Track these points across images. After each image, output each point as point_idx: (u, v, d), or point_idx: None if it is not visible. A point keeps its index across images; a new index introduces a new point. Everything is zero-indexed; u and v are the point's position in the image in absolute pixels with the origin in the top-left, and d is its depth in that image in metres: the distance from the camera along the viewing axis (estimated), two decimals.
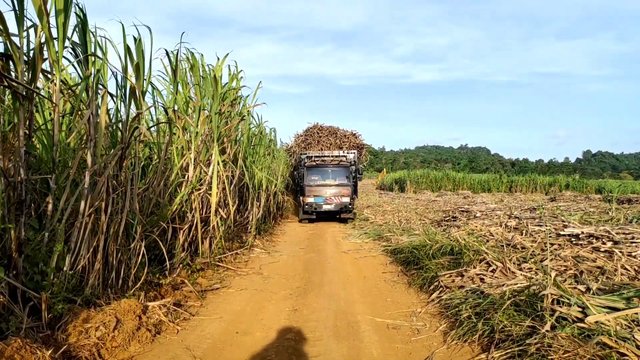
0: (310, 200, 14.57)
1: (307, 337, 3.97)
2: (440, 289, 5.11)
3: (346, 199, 14.63)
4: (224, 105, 6.85)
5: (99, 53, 4.19)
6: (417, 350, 3.67)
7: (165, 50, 5.70)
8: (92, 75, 3.91)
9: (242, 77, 7.84)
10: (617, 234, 6.72)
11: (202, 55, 6.98)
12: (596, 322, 3.21)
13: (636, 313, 3.31)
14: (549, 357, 2.93)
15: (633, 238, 6.57)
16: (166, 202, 5.59)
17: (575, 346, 2.93)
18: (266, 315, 4.57)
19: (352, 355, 3.56)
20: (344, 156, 16.28)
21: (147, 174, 5.78)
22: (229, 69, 7.69)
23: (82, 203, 3.74)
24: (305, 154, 16.33)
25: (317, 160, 15.96)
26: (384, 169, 56.94)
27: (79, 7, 3.94)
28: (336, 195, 14.61)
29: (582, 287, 4.25)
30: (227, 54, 7.49)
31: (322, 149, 17.63)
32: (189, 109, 6.38)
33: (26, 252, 3.35)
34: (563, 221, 8.41)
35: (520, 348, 3.21)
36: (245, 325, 4.25)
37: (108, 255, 4.21)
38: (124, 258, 4.44)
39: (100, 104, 3.98)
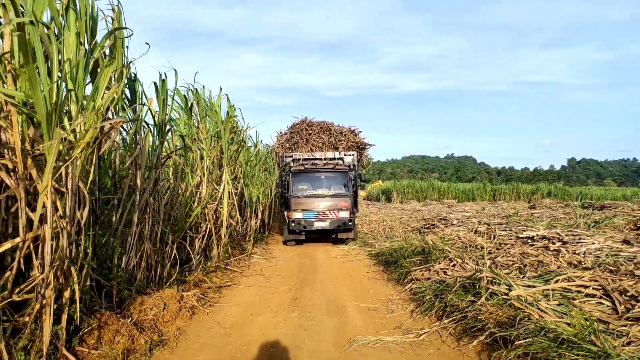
0: (297, 215, 11.70)
1: (306, 315, 5.25)
2: (412, 281, 6.44)
3: (345, 214, 11.79)
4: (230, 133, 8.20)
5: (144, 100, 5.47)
6: (390, 322, 4.96)
7: (184, 96, 7.04)
8: (140, 119, 5.19)
9: (236, 108, 9.19)
10: (566, 235, 8.09)
11: (203, 87, 8.26)
12: (517, 295, 4.55)
13: (546, 289, 4.66)
14: (479, 318, 4.26)
15: (580, 239, 7.93)
16: (183, 214, 6.84)
17: (496, 310, 4.27)
18: (272, 303, 5.85)
19: (341, 325, 4.86)
20: (341, 159, 13.76)
21: (167, 191, 7.03)
22: (227, 99, 8.96)
23: (134, 216, 4.99)
24: (291, 156, 13.89)
25: (307, 164, 13.29)
26: (380, 179, 58.54)
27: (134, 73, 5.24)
28: (332, 209, 11.80)
29: (520, 275, 5.61)
30: (221, 88, 8.82)
31: (312, 150, 14.45)
32: (200, 136, 7.66)
33: (97, 253, 4.59)
34: (527, 226, 9.80)
35: (462, 315, 4.54)
36: (257, 309, 5.52)
37: (148, 257, 5.45)
38: (159, 259, 5.69)
39: (144, 140, 5.26)
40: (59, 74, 3.18)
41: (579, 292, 4.65)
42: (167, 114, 6.21)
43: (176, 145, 7.02)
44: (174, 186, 6.79)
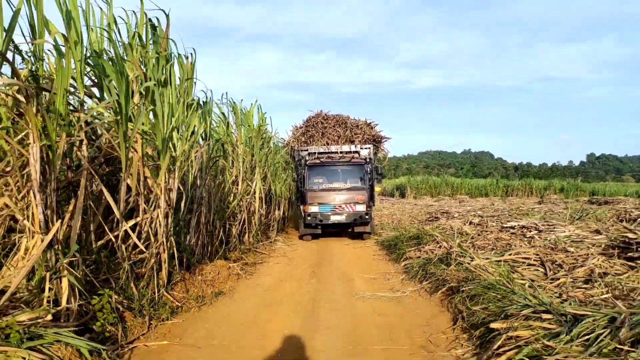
0: (313, 209, 12.04)
1: (322, 281, 7.05)
2: (406, 259, 8.18)
3: (361, 208, 12.08)
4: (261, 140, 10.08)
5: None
6: (385, 286, 6.71)
7: (223, 113, 8.93)
8: (211, 142, 7.03)
9: (266, 117, 11.04)
10: (542, 225, 9.70)
11: (241, 100, 10.13)
12: (476, 264, 6.27)
13: (498, 260, 6.38)
14: (446, 279, 6.00)
15: (554, 227, 9.53)
16: (224, 205, 8.68)
17: (458, 273, 6.01)
18: (296, 275, 7.66)
19: (348, 287, 6.64)
20: (357, 152, 13.80)
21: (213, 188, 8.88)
22: (259, 109, 10.81)
23: (194, 206, 6.83)
24: (307, 149, 13.82)
25: (322, 157, 13.48)
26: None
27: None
28: (348, 203, 12.10)
29: (486, 252, 7.32)
30: (257, 100, 10.65)
31: (327, 144, 14.48)
32: (237, 142, 9.49)
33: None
34: (515, 218, 11.40)
35: (436, 278, 6.28)
36: (285, 278, 7.34)
37: (203, 237, 7.29)
38: (209, 239, 7.54)
39: (204, 149, 7.09)
40: (166, 116, 5.03)
41: (523, 262, 6.37)
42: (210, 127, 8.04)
43: (217, 150, 8.86)
44: (217, 184, 8.63)
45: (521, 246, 7.76)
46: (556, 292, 5.25)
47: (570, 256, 6.40)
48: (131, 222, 4.79)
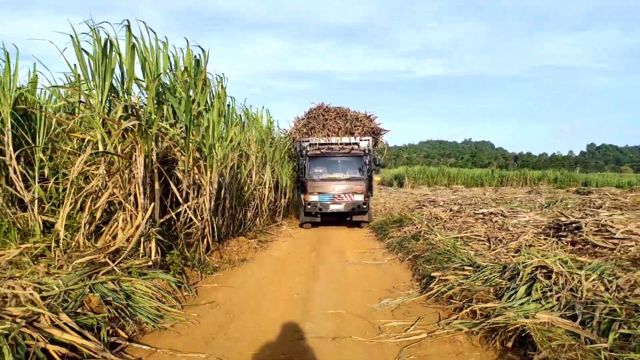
0: (313, 198, 12.83)
1: (321, 254, 9.15)
2: (389, 238, 10.26)
3: (359, 197, 12.90)
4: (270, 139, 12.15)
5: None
6: (370, 257, 8.79)
7: (240, 116, 10.95)
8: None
9: (273, 120, 13.10)
10: (508, 212, 11.76)
11: (250, 106, 12.15)
12: (438, 239, 8.34)
13: (455, 237, 8.45)
14: (414, 250, 8.08)
15: (517, 214, 11.57)
16: (241, 194, 10.74)
17: (423, 246, 8.10)
18: (300, 250, 9.75)
19: (341, 258, 8.73)
20: (356, 143, 14.45)
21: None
22: (267, 112, 12.87)
23: (221, 193, 8.89)
24: (308, 141, 14.48)
25: (323, 149, 14.12)
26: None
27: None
28: (347, 193, 12.88)
29: (451, 231, 9.40)
30: (263, 107, 12.69)
31: (328, 135, 15.09)
32: (250, 141, 11.52)
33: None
34: (490, 206, 13.44)
35: (407, 250, 8.37)
36: (291, 252, 9.44)
37: (227, 219, 9.36)
38: (231, 221, 9.62)
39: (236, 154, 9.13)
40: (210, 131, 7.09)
41: (475, 238, 8.45)
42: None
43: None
44: (235, 175, 10.70)
45: (478, 227, 9.86)
46: (493, 258, 7.34)
47: (510, 234, 8.48)
48: (188, 204, 6.88)
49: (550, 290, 4.60)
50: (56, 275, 4.66)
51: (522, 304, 4.43)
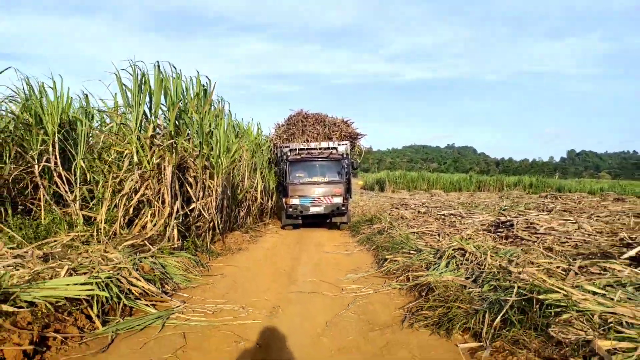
0: (294, 201, 13.60)
1: (303, 246, 11.21)
2: (361, 234, 12.33)
3: (338, 200, 13.72)
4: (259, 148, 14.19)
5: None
6: (343, 249, 10.84)
7: (234, 127, 12.95)
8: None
9: (262, 132, 15.17)
10: (465, 213, 13.93)
11: (242, 119, 14.18)
12: (398, 233, 10.43)
13: (412, 232, 10.56)
14: (378, 242, 10.17)
15: (473, 215, 13.75)
16: (235, 196, 12.72)
17: (385, 239, 10.20)
18: (286, 243, 11.78)
19: (320, 249, 10.79)
20: (334, 148, 15.03)
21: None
22: (258, 126, 14.91)
23: (221, 195, 10.88)
24: (288, 146, 15.15)
25: (303, 154, 14.75)
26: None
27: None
28: (326, 195, 13.67)
29: (409, 227, 11.52)
30: (252, 119, 14.68)
31: (307, 140, 15.80)
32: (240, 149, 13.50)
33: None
34: (453, 208, 15.61)
35: (373, 242, 10.46)
36: (278, 245, 11.48)
37: (224, 216, 11.34)
38: (227, 218, 11.61)
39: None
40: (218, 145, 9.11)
41: (429, 233, 10.57)
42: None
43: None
44: (230, 179, 12.69)
45: (433, 225, 12.01)
46: (435, 246, 9.45)
47: (457, 230, 10.62)
48: (199, 203, 8.87)
49: (462, 264, 6.73)
50: (111, 252, 6.63)
51: (441, 272, 6.53)
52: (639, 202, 22.67)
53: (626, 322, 3.88)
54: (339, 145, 15.14)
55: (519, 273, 5.50)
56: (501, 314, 4.31)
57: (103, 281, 4.92)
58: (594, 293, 4.64)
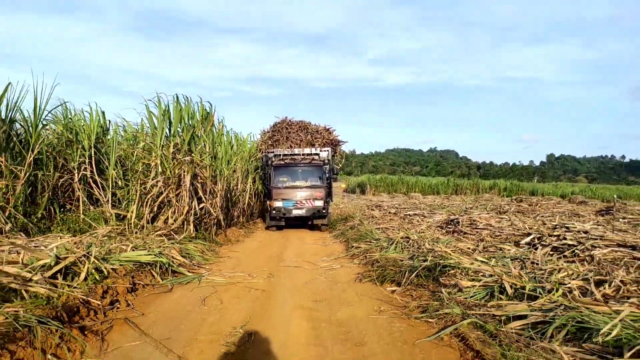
0: (278, 204, 14.55)
1: (289, 241, 13.84)
2: (337, 230, 14.98)
3: (319, 203, 14.70)
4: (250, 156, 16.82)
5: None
6: (321, 242, 13.49)
7: (231, 139, 15.56)
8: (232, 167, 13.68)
9: (255, 144, 17.77)
10: (428, 213, 16.68)
11: (232, 129, 16.75)
12: (365, 228, 13.10)
13: (378, 227, 13.25)
14: (349, 235, 12.84)
15: (434, 214, 16.49)
16: (230, 198, 15.26)
17: (355, 233, 12.88)
18: (274, 238, 14.39)
19: (303, 242, 13.44)
20: (317, 154, 15.84)
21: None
22: (250, 137, 17.52)
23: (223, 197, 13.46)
24: (273, 152, 16.02)
25: (286, 159, 15.63)
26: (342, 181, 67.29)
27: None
28: (308, 199, 14.61)
29: (378, 224, 14.23)
30: (248, 134, 17.30)
31: (291, 147, 16.85)
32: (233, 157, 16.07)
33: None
34: (420, 209, 18.36)
35: (345, 236, 13.13)
36: (268, 239, 14.10)
37: (224, 214, 13.90)
38: (225, 217, 14.18)
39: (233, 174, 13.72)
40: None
41: (392, 228, 13.26)
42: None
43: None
44: (227, 184, 15.24)
45: (396, 222, 14.73)
46: (391, 237, 12.14)
47: (414, 226, 13.33)
48: (208, 203, 11.44)
49: (405, 248, 9.44)
50: (152, 238, 9.16)
51: (387, 252, 9.21)
52: (598, 204, 25.77)
53: (488, 274, 6.61)
54: (321, 151, 16.09)
55: (437, 251, 8.23)
56: (415, 272, 7.05)
57: (156, 255, 7.51)
58: (482, 262, 7.39)
